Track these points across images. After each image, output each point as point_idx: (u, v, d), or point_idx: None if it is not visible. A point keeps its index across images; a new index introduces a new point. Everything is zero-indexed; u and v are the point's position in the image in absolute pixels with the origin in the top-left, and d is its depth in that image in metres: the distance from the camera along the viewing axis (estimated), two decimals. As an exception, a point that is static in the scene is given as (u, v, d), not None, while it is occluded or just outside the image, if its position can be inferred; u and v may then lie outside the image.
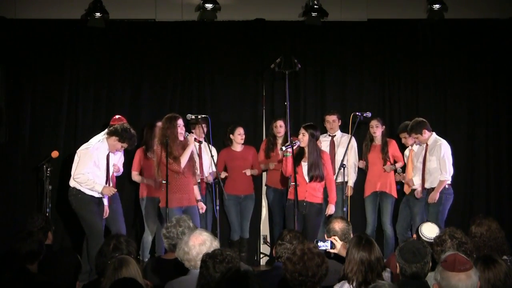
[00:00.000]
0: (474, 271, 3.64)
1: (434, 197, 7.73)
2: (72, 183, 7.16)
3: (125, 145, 7.20)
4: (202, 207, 7.46)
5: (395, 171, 8.32)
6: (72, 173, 7.16)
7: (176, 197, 7.12)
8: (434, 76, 9.21)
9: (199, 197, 7.46)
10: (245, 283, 3.63)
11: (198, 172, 7.71)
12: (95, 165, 7.10)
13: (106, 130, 7.23)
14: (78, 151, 7.22)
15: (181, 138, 7.17)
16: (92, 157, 7.08)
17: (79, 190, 7.11)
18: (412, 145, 8.17)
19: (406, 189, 8.20)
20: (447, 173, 7.74)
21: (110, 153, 7.25)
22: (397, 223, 8.24)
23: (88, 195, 7.11)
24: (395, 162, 8.37)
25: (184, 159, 7.12)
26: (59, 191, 8.31)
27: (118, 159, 7.52)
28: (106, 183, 7.18)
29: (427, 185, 7.89)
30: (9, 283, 3.94)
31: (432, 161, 7.81)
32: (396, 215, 8.36)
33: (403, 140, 8.30)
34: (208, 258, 4.06)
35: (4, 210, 8.52)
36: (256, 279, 3.69)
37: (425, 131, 7.83)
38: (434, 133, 7.93)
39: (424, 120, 7.92)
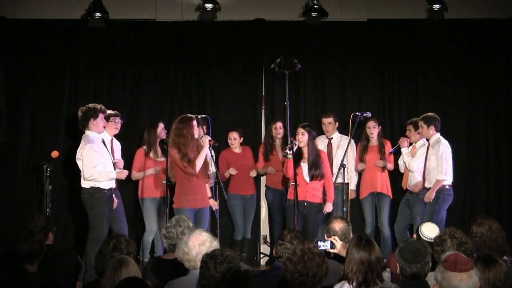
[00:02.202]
0: (475, 271, 3.64)
1: (430, 196, 7.73)
2: (86, 184, 7.06)
3: (100, 115, 7.09)
4: (215, 203, 7.49)
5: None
6: (83, 175, 7.05)
7: (190, 199, 7.09)
8: (434, 76, 9.21)
9: (210, 194, 7.48)
10: (245, 283, 3.63)
11: (212, 171, 7.73)
12: (101, 156, 7.07)
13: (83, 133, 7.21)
14: (80, 155, 7.08)
15: (205, 140, 7.18)
16: (93, 152, 7.00)
17: (97, 189, 7.04)
18: (415, 142, 8.17)
19: (404, 184, 8.20)
20: (443, 173, 7.72)
21: (106, 141, 7.26)
22: (395, 222, 8.24)
23: (106, 192, 7.07)
24: None
25: (199, 162, 7.08)
26: (59, 191, 8.31)
27: (118, 157, 7.51)
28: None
29: (426, 184, 7.90)
30: (8, 284, 3.94)
31: (432, 160, 7.81)
32: (394, 216, 8.37)
33: (407, 133, 8.30)
34: (209, 259, 4.05)
35: (4, 210, 8.51)
36: (256, 279, 3.69)
37: (432, 127, 7.84)
38: (439, 133, 7.93)
39: (439, 119, 7.91)
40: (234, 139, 8.40)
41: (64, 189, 8.42)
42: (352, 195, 8.28)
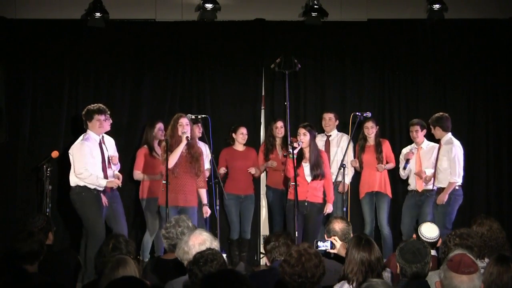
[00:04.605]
0: (478, 276, 3.62)
1: (443, 198, 7.75)
2: (74, 181, 7.17)
3: (96, 116, 7.19)
4: (207, 211, 7.44)
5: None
6: (72, 171, 7.18)
7: (171, 197, 7.11)
8: (434, 76, 9.20)
9: (205, 201, 7.43)
10: (234, 279, 3.53)
11: (207, 174, 7.74)
12: (91, 156, 7.13)
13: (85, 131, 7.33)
14: (70, 151, 7.27)
15: (183, 136, 7.19)
16: (85, 149, 7.11)
17: (83, 187, 7.11)
18: (420, 143, 8.17)
19: (419, 186, 8.17)
20: (456, 176, 7.77)
21: (102, 143, 7.31)
22: (403, 224, 8.20)
23: (92, 191, 7.12)
24: (387, 162, 8.41)
25: (172, 158, 7.12)
26: (59, 191, 8.31)
27: (112, 153, 7.55)
28: (103, 171, 7.21)
29: (436, 184, 7.94)
30: (9, 284, 3.94)
31: (444, 161, 7.85)
32: (393, 215, 8.37)
33: (414, 134, 8.25)
34: (193, 265, 4.03)
35: (4, 210, 8.52)
36: (242, 277, 3.60)
37: (439, 128, 7.90)
38: (450, 133, 7.95)
39: (445, 118, 7.94)
40: (246, 134, 8.40)
41: (64, 189, 8.40)
42: (345, 188, 8.21)
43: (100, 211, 7.14)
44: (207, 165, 7.99)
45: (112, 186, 7.22)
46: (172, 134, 7.22)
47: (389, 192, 8.37)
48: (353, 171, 8.51)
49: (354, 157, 8.49)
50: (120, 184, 7.32)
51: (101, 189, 7.18)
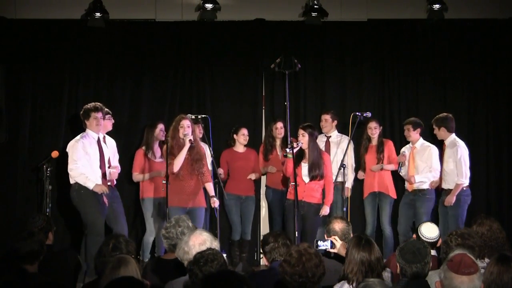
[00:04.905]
0: (478, 276, 3.61)
1: (450, 200, 7.79)
2: (72, 179, 7.25)
3: (92, 114, 7.27)
4: (214, 202, 7.46)
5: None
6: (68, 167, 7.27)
7: (177, 198, 7.12)
8: (434, 76, 9.20)
9: (212, 193, 7.46)
10: (233, 281, 3.54)
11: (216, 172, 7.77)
12: (86, 154, 7.15)
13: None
14: (67, 148, 7.39)
15: (186, 138, 7.19)
16: (78, 146, 7.19)
17: (82, 186, 7.16)
18: (415, 143, 8.17)
19: (409, 187, 8.19)
20: (463, 177, 7.83)
21: (102, 141, 7.36)
22: (399, 224, 8.21)
23: (90, 189, 7.13)
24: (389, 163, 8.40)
25: (177, 161, 7.14)
26: (59, 191, 8.31)
27: (113, 156, 7.56)
28: (101, 169, 7.26)
29: (443, 186, 7.99)
30: (8, 284, 3.94)
31: (449, 163, 7.90)
32: (395, 215, 8.36)
33: (406, 132, 8.26)
34: (193, 265, 4.03)
35: (4, 210, 8.52)
36: (242, 277, 3.60)
37: (443, 128, 7.99)
38: (454, 134, 7.96)
39: (449, 118, 7.99)
40: (247, 135, 8.40)
41: (64, 189, 8.40)
42: (347, 193, 8.23)
43: (99, 208, 7.17)
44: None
45: (97, 191, 7.20)
46: (173, 136, 7.23)
47: (392, 193, 8.35)
48: (354, 174, 8.50)
49: (355, 157, 8.49)
50: (107, 191, 7.30)
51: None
